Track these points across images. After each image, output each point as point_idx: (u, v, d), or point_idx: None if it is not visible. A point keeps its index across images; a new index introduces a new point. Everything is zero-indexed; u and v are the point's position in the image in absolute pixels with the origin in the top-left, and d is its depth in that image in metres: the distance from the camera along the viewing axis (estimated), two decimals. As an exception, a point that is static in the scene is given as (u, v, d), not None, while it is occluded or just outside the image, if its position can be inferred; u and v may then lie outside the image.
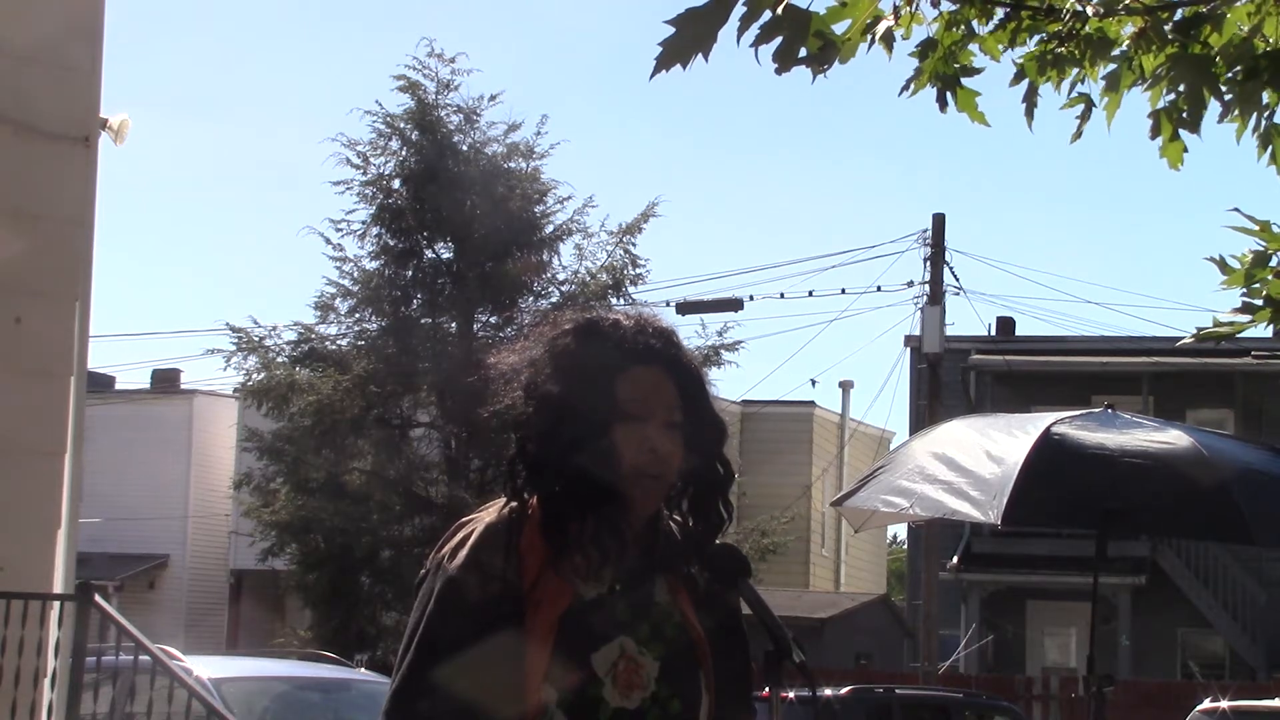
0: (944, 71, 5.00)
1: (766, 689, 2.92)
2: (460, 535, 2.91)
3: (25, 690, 8.04)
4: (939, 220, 24.45)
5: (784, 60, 4.42)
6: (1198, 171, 52.22)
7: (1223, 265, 5.22)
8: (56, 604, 8.29)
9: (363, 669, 14.02)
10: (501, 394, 2.96)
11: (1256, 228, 5.15)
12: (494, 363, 3.00)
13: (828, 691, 14.98)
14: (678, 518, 3.01)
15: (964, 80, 5.04)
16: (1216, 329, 5.32)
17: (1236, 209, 5.13)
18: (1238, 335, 5.36)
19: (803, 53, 4.43)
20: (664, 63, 4.27)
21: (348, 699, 10.95)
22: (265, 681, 11.05)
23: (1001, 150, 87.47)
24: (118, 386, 36.00)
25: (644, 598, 2.91)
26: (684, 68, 4.27)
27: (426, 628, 2.85)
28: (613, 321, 2.95)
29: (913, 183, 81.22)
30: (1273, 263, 5.18)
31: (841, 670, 22.41)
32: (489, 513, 2.94)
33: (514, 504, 2.91)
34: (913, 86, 5.04)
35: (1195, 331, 5.39)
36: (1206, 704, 15.69)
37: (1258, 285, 5.19)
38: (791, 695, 2.97)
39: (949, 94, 5.03)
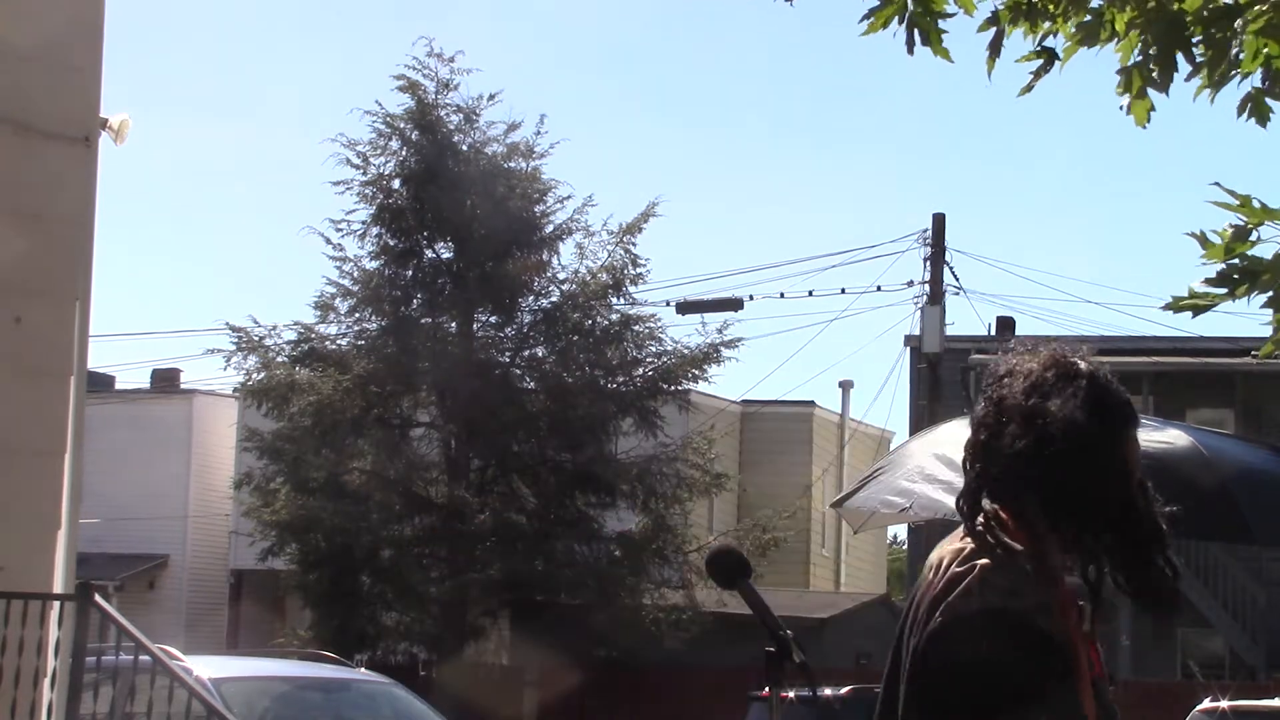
0: (916, 11, 4.98)
1: (766, 689, 2.92)
2: (1007, 581, 2.81)
3: (25, 690, 8.03)
4: (939, 220, 24.45)
5: None
6: (1200, 172, 52.23)
7: (1203, 240, 5.17)
8: (56, 604, 8.29)
9: (363, 669, 14.02)
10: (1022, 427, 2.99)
11: (1237, 202, 5.10)
12: (1021, 402, 3.03)
13: (828, 691, 14.99)
14: None
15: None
16: (1192, 299, 5.27)
17: (1217, 183, 5.10)
18: (1212, 308, 5.29)
19: None
20: None
21: (348, 699, 10.96)
22: (265, 681, 11.05)
23: (1002, 150, 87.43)
24: (118, 386, 35.96)
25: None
26: None
27: (1017, 676, 2.71)
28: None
29: (913, 183, 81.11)
30: (1252, 237, 5.15)
31: (841, 670, 22.39)
32: (1003, 565, 2.86)
33: (1021, 551, 2.85)
34: (874, 19, 5.02)
35: (1171, 300, 5.34)
36: (1206, 704, 15.66)
37: (1235, 260, 5.15)
38: (791, 695, 2.97)
39: (916, 31, 5.01)
